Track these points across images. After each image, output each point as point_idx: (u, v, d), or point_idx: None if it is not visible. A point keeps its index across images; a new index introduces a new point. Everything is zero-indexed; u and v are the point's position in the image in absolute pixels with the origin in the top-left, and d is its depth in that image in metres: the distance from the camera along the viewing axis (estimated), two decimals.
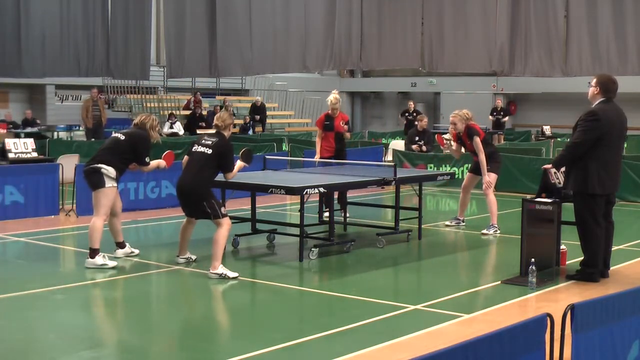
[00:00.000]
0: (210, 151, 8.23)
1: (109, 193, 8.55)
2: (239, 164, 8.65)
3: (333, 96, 11.68)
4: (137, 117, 9.20)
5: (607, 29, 15.32)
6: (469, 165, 15.37)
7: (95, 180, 8.55)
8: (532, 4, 16.11)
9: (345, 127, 11.78)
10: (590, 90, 7.98)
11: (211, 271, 8.05)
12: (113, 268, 8.45)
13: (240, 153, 8.81)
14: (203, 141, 8.38)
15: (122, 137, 8.82)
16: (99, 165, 8.54)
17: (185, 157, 8.57)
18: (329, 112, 11.66)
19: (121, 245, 9.09)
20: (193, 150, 8.40)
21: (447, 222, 11.66)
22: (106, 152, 8.69)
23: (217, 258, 8.06)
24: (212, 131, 8.68)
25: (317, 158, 11.73)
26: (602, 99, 7.88)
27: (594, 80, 7.99)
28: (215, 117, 8.68)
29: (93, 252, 8.50)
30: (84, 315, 6.99)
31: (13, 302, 7.21)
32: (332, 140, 11.77)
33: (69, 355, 5.77)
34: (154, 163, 9.00)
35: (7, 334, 6.27)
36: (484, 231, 10.93)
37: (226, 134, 8.47)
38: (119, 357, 5.86)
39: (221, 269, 8.05)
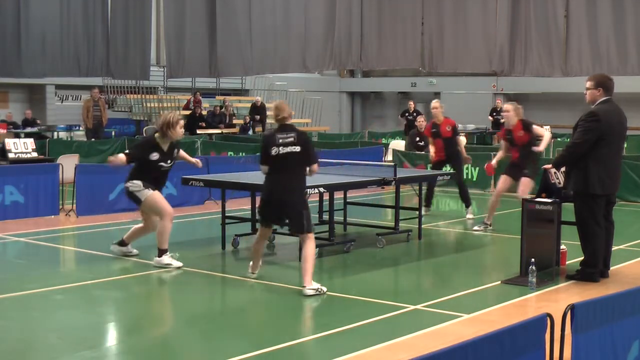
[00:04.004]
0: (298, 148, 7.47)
1: (150, 200, 8.55)
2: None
3: (433, 102, 12.01)
4: None
5: (607, 29, 15.31)
6: (469, 165, 15.40)
7: (133, 200, 8.66)
8: (532, 4, 16.11)
9: (459, 137, 12.27)
10: (589, 93, 7.94)
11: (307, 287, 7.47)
12: (178, 268, 8.45)
13: None
14: (281, 140, 7.47)
15: None
16: (125, 185, 8.65)
17: (265, 168, 7.60)
18: (434, 119, 12.03)
19: (122, 244, 9.08)
20: (275, 154, 7.45)
21: (476, 227, 11.27)
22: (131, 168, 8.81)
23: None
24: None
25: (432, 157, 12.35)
26: (603, 99, 7.88)
27: (590, 82, 7.96)
28: (275, 108, 7.73)
29: (161, 252, 8.53)
30: (84, 315, 6.98)
31: (13, 302, 7.21)
32: (441, 147, 12.04)
33: (69, 355, 5.78)
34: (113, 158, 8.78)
35: (7, 334, 6.27)
36: (476, 227, 11.06)
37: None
38: (119, 357, 5.86)
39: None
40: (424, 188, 11.76)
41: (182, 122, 8.70)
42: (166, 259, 8.51)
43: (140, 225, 8.95)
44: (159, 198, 8.57)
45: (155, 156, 8.53)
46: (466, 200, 12.23)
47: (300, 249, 8.97)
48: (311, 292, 7.37)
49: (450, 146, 12.15)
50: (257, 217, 7.80)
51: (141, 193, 8.49)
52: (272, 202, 7.56)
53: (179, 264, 8.52)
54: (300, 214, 7.49)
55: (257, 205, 7.89)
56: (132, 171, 8.63)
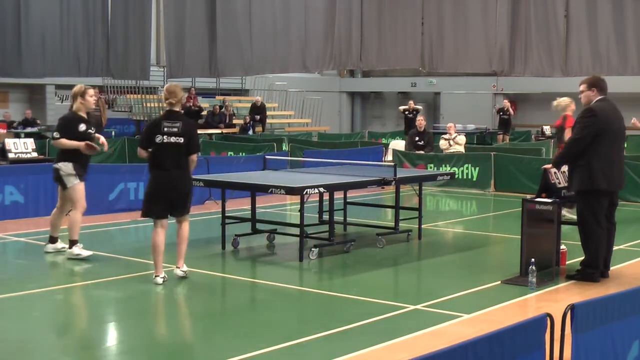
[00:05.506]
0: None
1: (73, 190, 8.94)
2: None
3: (569, 101, 11.79)
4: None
5: (607, 29, 15.32)
6: (469, 165, 15.41)
7: (59, 183, 9.01)
8: (532, 4, 16.12)
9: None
10: (583, 95, 7.96)
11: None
12: (86, 258, 8.81)
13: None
14: (166, 129, 7.55)
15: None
16: (56, 166, 8.96)
17: (143, 152, 7.72)
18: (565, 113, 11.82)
19: (54, 241, 9.39)
20: (159, 142, 7.56)
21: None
22: None
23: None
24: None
25: None
26: (598, 98, 7.90)
27: (584, 85, 7.97)
28: (167, 91, 7.75)
29: (72, 243, 8.94)
30: (83, 315, 6.98)
31: (13, 302, 7.21)
32: None
33: (69, 356, 5.78)
34: (66, 142, 8.85)
35: (7, 334, 6.27)
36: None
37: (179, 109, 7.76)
38: (119, 357, 5.86)
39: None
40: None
41: (90, 91, 8.96)
42: (76, 249, 8.85)
43: (55, 210, 9.27)
44: (80, 190, 8.91)
45: (82, 127, 8.87)
46: None
47: (301, 249, 8.98)
48: (183, 274, 7.80)
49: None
50: (146, 211, 7.80)
51: (69, 179, 8.83)
52: (166, 193, 7.65)
53: (89, 252, 8.86)
54: (190, 200, 7.81)
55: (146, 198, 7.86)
56: (63, 151, 8.84)
